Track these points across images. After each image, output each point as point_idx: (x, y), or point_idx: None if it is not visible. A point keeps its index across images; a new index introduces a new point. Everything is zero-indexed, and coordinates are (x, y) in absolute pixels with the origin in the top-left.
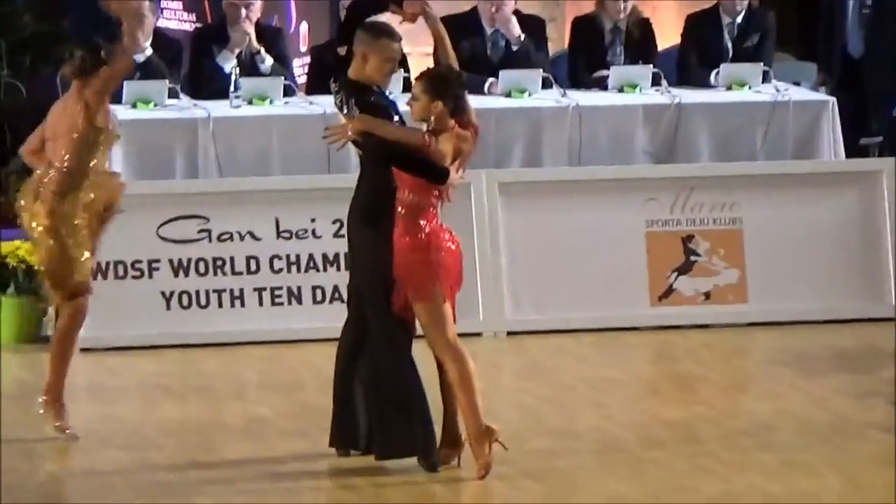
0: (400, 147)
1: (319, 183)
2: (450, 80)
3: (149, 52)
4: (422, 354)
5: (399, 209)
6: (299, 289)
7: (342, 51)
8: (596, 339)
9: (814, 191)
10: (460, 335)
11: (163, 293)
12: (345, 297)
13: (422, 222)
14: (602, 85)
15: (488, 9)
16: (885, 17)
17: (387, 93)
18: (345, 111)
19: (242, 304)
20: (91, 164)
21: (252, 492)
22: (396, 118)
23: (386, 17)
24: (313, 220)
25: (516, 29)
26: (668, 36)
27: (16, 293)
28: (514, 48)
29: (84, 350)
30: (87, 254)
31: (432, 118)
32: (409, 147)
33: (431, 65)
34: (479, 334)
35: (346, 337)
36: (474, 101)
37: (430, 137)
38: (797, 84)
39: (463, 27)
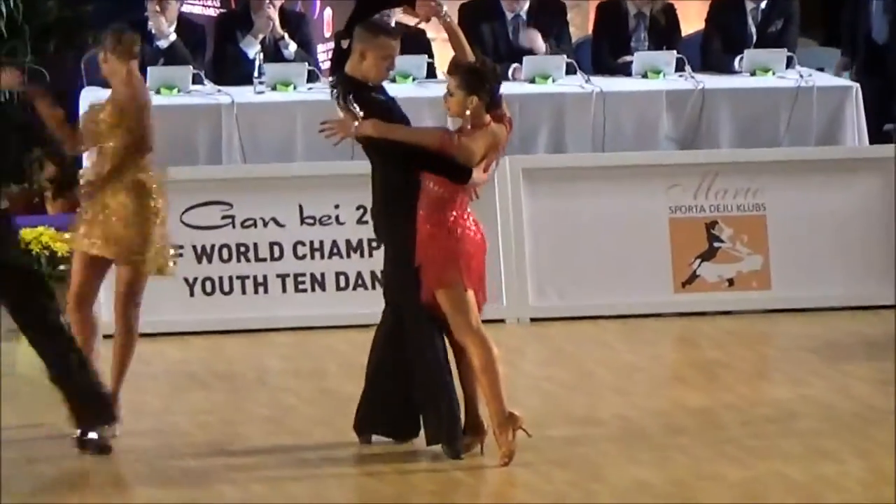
0: (416, 148)
1: (343, 169)
2: (485, 73)
3: (173, 37)
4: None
5: (424, 199)
6: (323, 275)
7: (345, 44)
8: (619, 326)
9: (837, 177)
10: (483, 322)
11: (186, 280)
12: (368, 283)
13: (447, 213)
14: (626, 71)
15: None
16: None
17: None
18: (342, 104)
19: (266, 291)
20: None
21: (276, 479)
22: (397, 115)
23: (398, 16)
24: (337, 207)
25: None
26: (691, 21)
27: None
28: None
29: (108, 336)
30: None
31: (468, 113)
32: (426, 147)
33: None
34: (502, 321)
35: (383, 324)
36: None
37: (457, 135)
38: (821, 70)
39: (484, 12)
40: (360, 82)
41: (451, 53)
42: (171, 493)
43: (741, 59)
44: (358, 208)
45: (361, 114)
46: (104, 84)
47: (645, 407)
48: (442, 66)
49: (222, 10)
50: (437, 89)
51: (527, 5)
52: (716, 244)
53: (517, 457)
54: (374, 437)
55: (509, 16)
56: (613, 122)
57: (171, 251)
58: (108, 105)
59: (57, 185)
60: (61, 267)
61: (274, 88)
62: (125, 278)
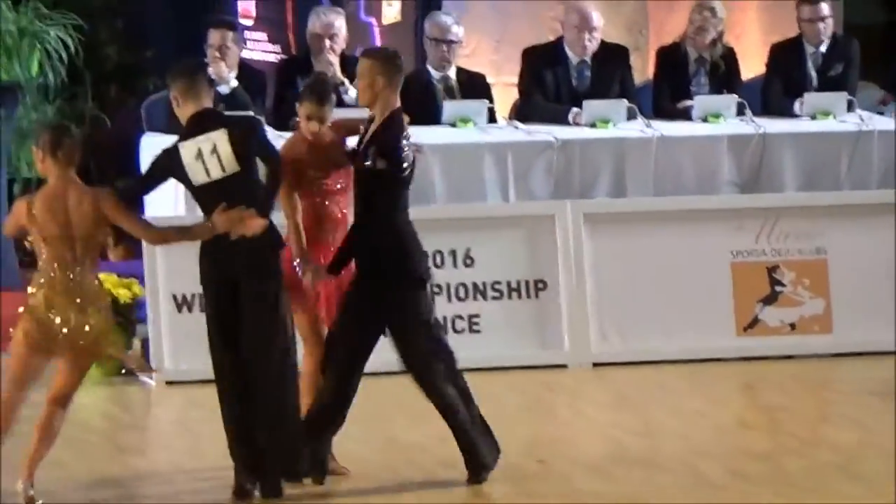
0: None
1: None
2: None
3: (233, 83)
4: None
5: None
6: None
7: None
8: (682, 370)
9: None
10: (545, 367)
11: None
12: (479, 326)
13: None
14: (686, 115)
15: (582, 38)
16: None
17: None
18: None
19: None
20: None
21: None
22: None
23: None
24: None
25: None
26: (752, 65)
27: None
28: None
29: (170, 383)
30: None
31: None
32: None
33: (515, 95)
34: (564, 366)
35: None
36: (559, 132)
37: None
38: (881, 113)
39: (548, 57)
40: None
41: (514, 97)
42: None
43: (801, 102)
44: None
45: None
46: (165, 129)
47: (708, 451)
48: (502, 111)
49: (283, 56)
50: (499, 134)
51: (591, 51)
52: (777, 288)
53: (580, 500)
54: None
55: (573, 61)
56: (674, 167)
57: None
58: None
59: (117, 232)
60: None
61: None
62: None
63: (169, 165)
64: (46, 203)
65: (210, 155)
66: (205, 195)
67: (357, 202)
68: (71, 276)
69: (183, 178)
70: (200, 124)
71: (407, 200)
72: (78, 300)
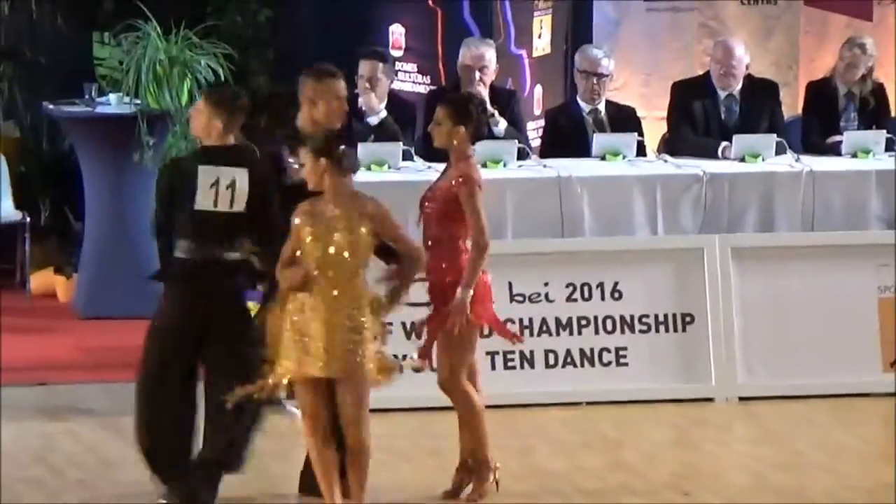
0: None
1: (553, 247)
2: (472, 106)
3: (383, 114)
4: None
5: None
6: (532, 352)
7: None
8: (828, 405)
9: None
10: (691, 400)
11: (396, 356)
12: (577, 360)
13: None
14: (836, 150)
15: (717, 71)
16: None
17: None
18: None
19: None
20: None
21: None
22: None
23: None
24: (546, 284)
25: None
26: None
27: None
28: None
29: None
30: None
31: (455, 143)
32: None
33: (665, 128)
34: (711, 399)
35: None
36: (708, 165)
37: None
38: None
39: (696, 90)
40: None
41: (663, 130)
42: None
43: None
44: (567, 286)
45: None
46: None
47: (855, 487)
48: (651, 144)
49: (432, 87)
50: (648, 168)
51: (739, 85)
52: None
53: None
54: None
55: (721, 95)
56: (823, 202)
57: None
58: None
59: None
60: None
61: (484, 165)
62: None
63: (176, 174)
64: None
65: (225, 189)
66: (195, 220)
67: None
68: None
69: (181, 195)
70: (223, 156)
71: None
72: None
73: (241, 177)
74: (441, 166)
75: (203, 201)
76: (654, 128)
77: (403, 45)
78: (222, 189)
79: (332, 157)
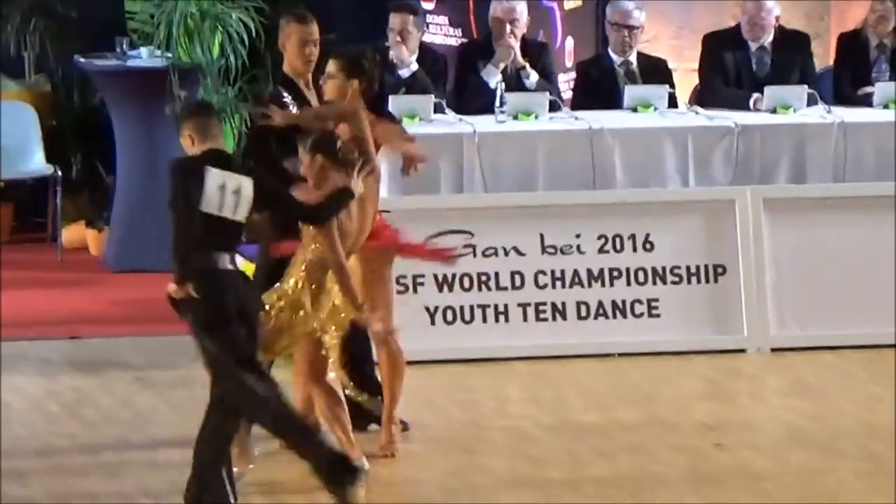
0: None
1: (584, 199)
2: (364, 60)
3: (414, 66)
4: None
5: None
6: (564, 304)
7: None
8: (861, 356)
9: None
10: (723, 352)
11: (428, 308)
12: (609, 312)
13: None
14: (867, 101)
15: (747, 22)
16: None
17: None
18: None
19: (507, 320)
20: None
21: None
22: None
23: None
24: (578, 236)
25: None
26: None
27: None
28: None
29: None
30: None
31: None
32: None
33: (696, 80)
34: (743, 350)
35: None
36: (739, 117)
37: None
38: None
39: (727, 42)
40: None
41: (694, 82)
42: None
43: None
44: (599, 238)
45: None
46: None
47: (886, 437)
48: (683, 96)
49: (464, 40)
50: (679, 119)
51: (770, 37)
52: None
53: (757, 486)
54: None
55: (752, 46)
56: (854, 153)
57: None
58: None
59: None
60: None
61: (515, 118)
62: None
63: (193, 169)
64: None
65: (232, 194)
66: (198, 221)
67: None
68: None
69: (191, 192)
70: (221, 162)
71: None
72: None
73: (247, 185)
74: (473, 119)
75: (208, 204)
76: (686, 80)
77: None
78: (229, 194)
79: (328, 153)
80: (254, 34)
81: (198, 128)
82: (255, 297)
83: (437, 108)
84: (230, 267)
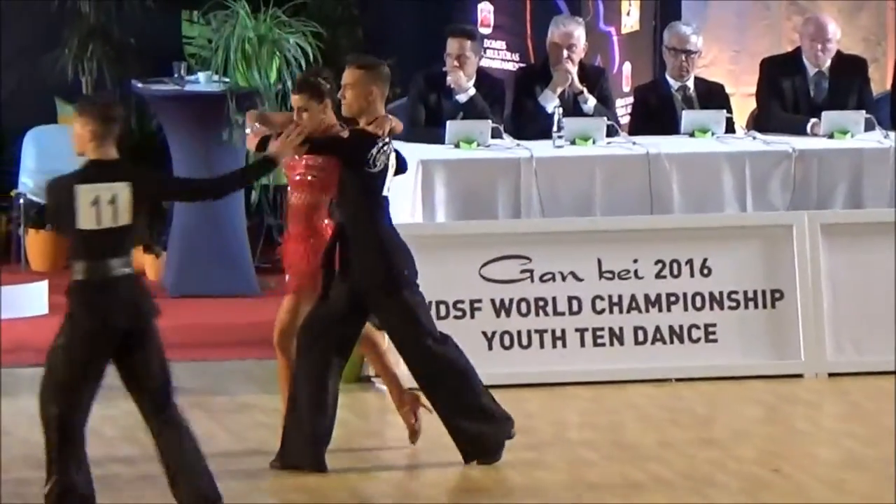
0: None
1: (642, 224)
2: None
3: (472, 91)
4: None
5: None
6: (621, 329)
7: None
8: None
9: None
10: (781, 377)
11: (485, 333)
12: (667, 337)
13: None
14: None
15: (816, 49)
16: None
17: None
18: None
19: (564, 345)
20: None
21: None
22: None
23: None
24: (635, 261)
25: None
26: None
27: None
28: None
29: None
30: None
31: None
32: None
33: (753, 105)
34: (800, 375)
35: None
36: (797, 142)
37: None
38: None
39: (785, 67)
40: None
41: (752, 107)
42: None
43: None
44: (657, 263)
45: None
46: (403, 138)
47: None
48: (740, 121)
49: (521, 65)
50: (737, 144)
51: (829, 61)
52: None
53: None
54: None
55: (811, 71)
56: None
57: None
58: None
59: None
60: None
61: (573, 143)
62: None
63: (55, 203)
64: None
65: (108, 204)
66: (84, 241)
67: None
68: None
69: (65, 219)
70: (104, 173)
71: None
72: None
73: (122, 191)
74: (531, 144)
75: (85, 222)
76: (743, 104)
77: (492, 23)
78: (104, 205)
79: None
80: (311, 59)
81: (97, 132)
82: (149, 300)
83: (495, 133)
84: (126, 271)
